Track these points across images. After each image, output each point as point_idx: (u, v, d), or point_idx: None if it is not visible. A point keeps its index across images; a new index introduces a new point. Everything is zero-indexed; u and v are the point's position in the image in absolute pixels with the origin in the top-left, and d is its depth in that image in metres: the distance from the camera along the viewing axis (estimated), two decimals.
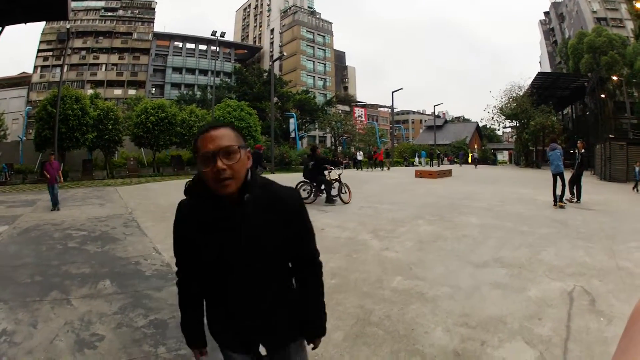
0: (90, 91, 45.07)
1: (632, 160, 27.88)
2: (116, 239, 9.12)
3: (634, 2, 30.23)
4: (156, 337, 4.39)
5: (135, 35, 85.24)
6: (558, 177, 14.90)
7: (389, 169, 42.29)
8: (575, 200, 15.60)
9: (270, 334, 2.34)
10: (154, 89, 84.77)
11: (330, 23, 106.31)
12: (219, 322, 2.32)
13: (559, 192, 14.72)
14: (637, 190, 20.06)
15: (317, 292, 2.35)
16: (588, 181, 15.41)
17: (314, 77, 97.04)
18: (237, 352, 2.39)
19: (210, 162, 1.93)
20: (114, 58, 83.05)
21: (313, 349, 2.44)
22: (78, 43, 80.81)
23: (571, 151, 31.49)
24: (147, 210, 13.38)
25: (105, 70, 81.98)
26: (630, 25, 52.65)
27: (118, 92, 79.38)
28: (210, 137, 1.98)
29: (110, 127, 32.31)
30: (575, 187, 15.73)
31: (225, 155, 1.94)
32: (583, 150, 16.15)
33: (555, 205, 14.52)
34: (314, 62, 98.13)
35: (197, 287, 2.28)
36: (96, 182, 26.19)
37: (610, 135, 33.69)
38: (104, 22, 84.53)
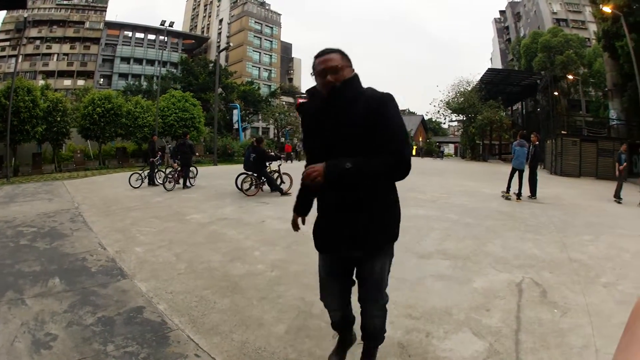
0: (41, 82, 43.83)
1: (586, 155, 29.06)
2: (64, 234, 9.03)
3: (600, 5, 30.91)
4: (104, 334, 4.39)
5: (87, 24, 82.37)
6: (517, 172, 15.07)
7: None
8: (531, 196, 15.43)
9: None
10: (102, 80, 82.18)
11: (279, 14, 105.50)
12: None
13: (516, 187, 14.93)
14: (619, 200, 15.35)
15: None
16: (538, 175, 15.75)
17: (259, 68, 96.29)
18: None
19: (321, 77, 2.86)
20: (66, 48, 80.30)
21: None
22: (34, 32, 78.13)
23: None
24: (93, 205, 13.24)
25: (57, 60, 79.16)
26: (593, 27, 53.96)
27: (68, 82, 76.54)
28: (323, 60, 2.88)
29: (59, 119, 31.29)
30: (530, 182, 15.56)
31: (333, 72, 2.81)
32: (537, 143, 16.13)
33: (507, 193, 15.00)
34: (260, 53, 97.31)
35: None
36: (45, 176, 25.51)
37: (563, 132, 34.54)
38: (59, 11, 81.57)
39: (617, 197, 15.90)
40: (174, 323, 4.71)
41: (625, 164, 16.78)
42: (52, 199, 14.57)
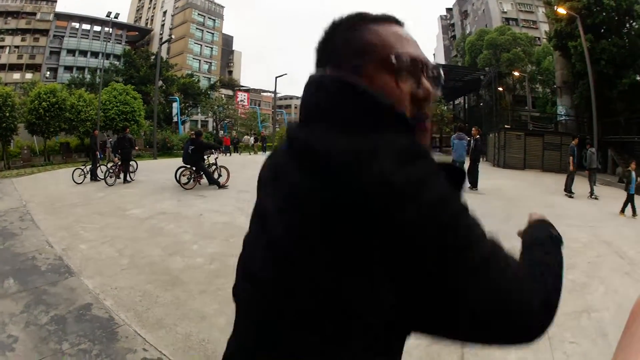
0: None
1: (531, 149, 29.65)
2: (14, 234, 8.99)
3: (554, 7, 31.50)
4: (59, 333, 4.51)
5: (38, 16, 78.34)
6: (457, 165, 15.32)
7: (256, 153, 42.96)
8: (471, 187, 15.57)
9: None
10: (48, 73, 78.40)
11: (223, 7, 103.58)
12: None
13: None
14: (635, 213, 12.59)
15: None
16: (480, 167, 15.84)
17: (199, 60, 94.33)
18: None
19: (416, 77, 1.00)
20: (17, 40, 76.30)
21: None
22: None
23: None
24: (39, 202, 13.02)
25: (8, 53, 75.20)
26: (545, 27, 54.67)
27: (17, 76, 72.78)
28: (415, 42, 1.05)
29: (8, 114, 29.82)
30: (470, 174, 15.47)
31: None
32: (478, 136, 16.31)
33: None
34: (201, 45, 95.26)
35: None
36: None
37: (506, 126, 35.26)
38: (15, 2, 77.54)
39: (569, 190, 16.03)
40: (121, 318, 4.90)
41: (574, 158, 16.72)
42: (2, 197, 14.25)
